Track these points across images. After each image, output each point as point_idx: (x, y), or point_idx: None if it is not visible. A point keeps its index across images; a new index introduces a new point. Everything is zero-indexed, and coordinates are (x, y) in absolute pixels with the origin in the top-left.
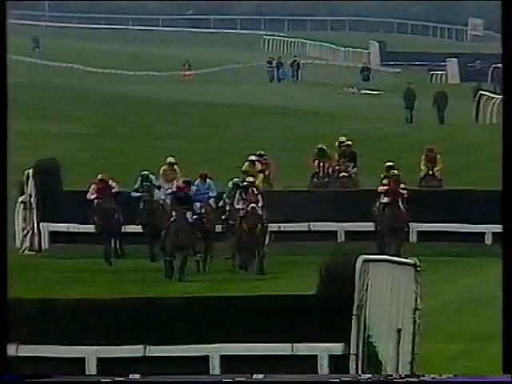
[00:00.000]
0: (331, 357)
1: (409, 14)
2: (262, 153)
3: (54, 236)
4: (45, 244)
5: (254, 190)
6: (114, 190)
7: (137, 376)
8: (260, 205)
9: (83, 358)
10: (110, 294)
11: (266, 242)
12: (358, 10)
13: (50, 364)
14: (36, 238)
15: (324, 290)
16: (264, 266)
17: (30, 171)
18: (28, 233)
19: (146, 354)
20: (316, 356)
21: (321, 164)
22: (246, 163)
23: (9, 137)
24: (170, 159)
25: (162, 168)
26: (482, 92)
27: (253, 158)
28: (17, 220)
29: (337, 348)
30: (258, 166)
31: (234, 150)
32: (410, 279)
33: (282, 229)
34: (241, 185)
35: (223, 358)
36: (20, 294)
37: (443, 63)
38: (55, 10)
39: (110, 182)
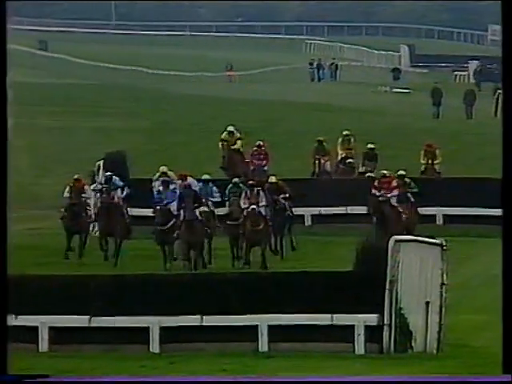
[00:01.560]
0: (367, 327)
1: (435, 21)
2: (261, 143)
3: None
4: None
5: (259, 190)
6: (84, 195)
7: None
8: (262, 204)
9: (147, 328)
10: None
11: (272, 239)
12: (390, 17)
13: (116, 334)
14: None
15: (360, 267)
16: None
17: (101, 162)
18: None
19: (203, 324)
20: (353, 326)
21: (316, 162)
22: (225, 132)
23: (9, 137)
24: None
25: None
26: (500, 90)
27: (231, 128)
28: (92, 206)
29: (372, 319)
30: (237, 135)
31: (279, 142)
32: (436, 257)
33: (323, 212)
34: (241, 185)
35: (271, 327)
36: (93, 270)
37: (466, 65)
38: (121, 19)
39: (86, 186)
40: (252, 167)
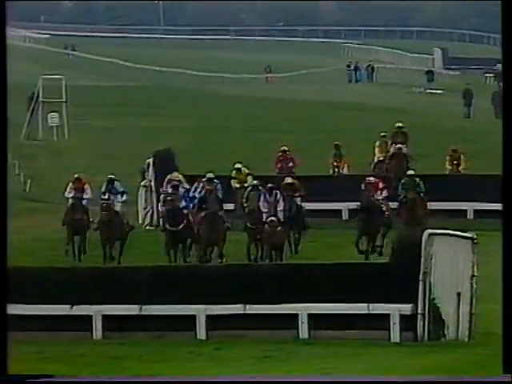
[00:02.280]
0: (402, 316)
1: (467, 25)
2: (286, 149)
3: None
4: (160, 221)
5: (277, 193)
6: (86, 197)
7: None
8: (281, 208)
9: (194, 316)
10: None
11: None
12: (424, 22)
13: (165, 322)
14: (155, 216)
15: (395, 258)
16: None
17: (151, 160)
18: (148, 211)
19: (246, 312)
20: (389, 315)
21: (334, 163)
22: (234, 171)
23: (9, 137)
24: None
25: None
26: None
27: (238, 165)
28: (140, 201)
29: (406, 308)
30: (246, 171)
31: (318, 140)
32: (468, 250)
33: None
34: (262, 188)
35: (310, 316)
36: (141, 262)
37: (495, 67)
38: (169, 24)
39: (86, 185)
40: (278, 171)
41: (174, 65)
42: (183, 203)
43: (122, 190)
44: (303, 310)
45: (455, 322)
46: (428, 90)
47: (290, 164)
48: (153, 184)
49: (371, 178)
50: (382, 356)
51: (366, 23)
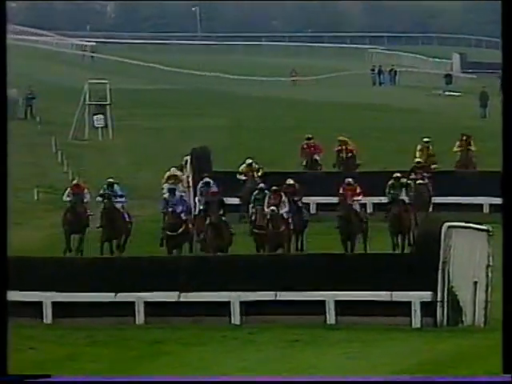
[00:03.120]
0: (422, 303)
1: (484, 31)
2: (310, 136)
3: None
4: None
5: (281, 194)
6: (85, 200)
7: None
8: (285, 209)
9: (228, 302)
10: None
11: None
12: (443, 28)
13: (201, 308)
14: (192, 208)
15: (417, 249)
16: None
17: (188, 157)
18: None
19: (277, 298)
20: (410, 302)
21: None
22: (244, 165)
23: (9, 137)
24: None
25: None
26: None
27: (249, 161)
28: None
29: (427, 296)
30: (256, 166)
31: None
32: (483, 241)
33: (382, 201)
34: (266, 191)
35: (337, 303)
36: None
37: None
38: (206, 30)
39: (85, 190)
40: (305, 160)
41: (210, 69)
42: (180, 208)
43: (120, 193)
44: (330, 297)
45: (472, 309)
46: (446, 93)
47: (316, 151)
48: (190, 179)
49: (350, 180)
50: (403, 341)
51: (389, 30)
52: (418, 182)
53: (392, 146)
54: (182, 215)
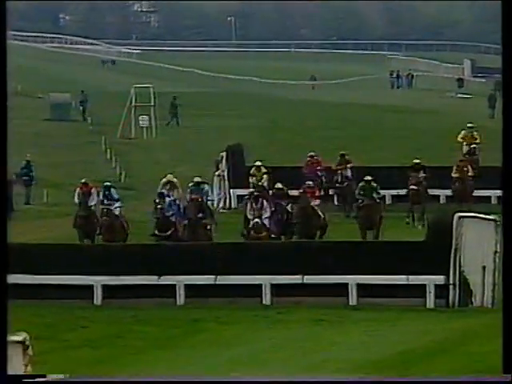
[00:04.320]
0: (436, 286)
1: (493, 39)
2: (313, 154)
3: (240, 198)
4: (233, 204)
5: (263, 200)
6: (92, 203)
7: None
8: (266, 215)
9: (260, 285)
10: None
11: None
12: (456, 37)
13: (236, 290)
14: (227, 201)
15: (431, 237)
16: None
17: (224, 153)
18: (222, 197)
19: (304, 282)
20: (425, 285)
21: (339, 172)
22: (253, 168)
23: (9, 137)
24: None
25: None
26: None
27: (258, 163)
28: (215, 188)
29: (440, 279)
30: (263, 169)
31: (366, 136)
32: (491, 230)
33: (399, 193)
34: (251, 195)
35: (358, 285)
36: (217, 239)
37: None
38: (240, 38)
39: (93, 189)
40: (307, 174)
41: (243, 73)
42: (170, 211)
43: (117, 197)
44: (352, 280)
45: (481, 292)
46: (458, 95)
47: (318, 167)
48: (225, 174)
49: (311, 183)
50: (419, 320)
51: (406, 38)
52: (469, 174)
53: (413, 145)
54: (172, 218)
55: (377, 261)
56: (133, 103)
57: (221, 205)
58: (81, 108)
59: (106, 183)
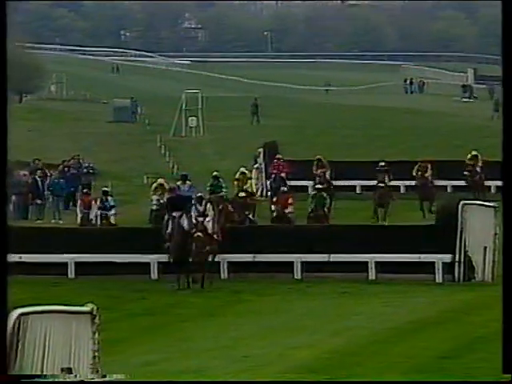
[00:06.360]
0: (444, 263)
1: (492, 51)
2: (280, 156)
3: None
4: (268, 193)
5: (207, 203)
6: (91, 216)
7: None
8: (209, 219)
9: (292, 262)
10: None
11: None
12: (461, 49)
13: (271, 266)
14: (264, 190)
15: (439, 221)
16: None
17: (261, 149)
18: (259, 187)
19: (330, 260)
20: (434, 262)
21: (317, 177)
22: (238, 173)
23: (9, 136)
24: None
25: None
26: None
27: (243, 169)
28: (253, 179)
29: (447, 257)
30: (248, 175)
31: (384, 135)
32: (491, 215)
33: (408, 184)
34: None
35: (377, 263)
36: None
37: None
38: (275, 51)
39: (93, 202)
40: (273, 176)
41: (277, 80)
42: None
43: (112, 204)
44: (371, 258)
45: (482, 268)
46: (463, 99)
47: (283, 171)
48: (263, 167)
49: (285, 189)
50: (429, 293)
51: (418, 49)
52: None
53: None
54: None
55: (393, 241)
56: (183, 106)
57: (258, 194)
58: (134, 111)
59: (104, 188)
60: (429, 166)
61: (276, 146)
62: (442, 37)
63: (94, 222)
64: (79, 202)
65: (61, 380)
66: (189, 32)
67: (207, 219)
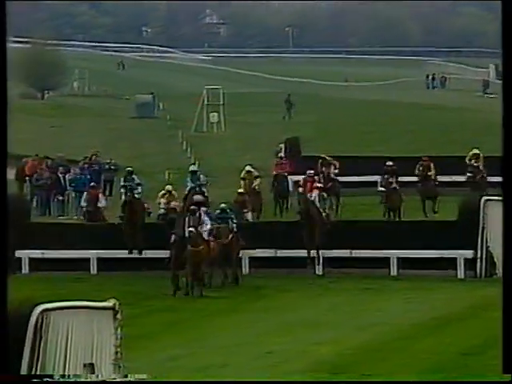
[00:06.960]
0: (465, 259)
1: None
2: (282, 155)
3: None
4: (290, 188)
5: (200, 213)
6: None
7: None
8: (205, 228)
9: (314, 257)
10: None
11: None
12: (482, 44)
13: (292, 261)
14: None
15: (462, 217)
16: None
17: (282, 144)
18: None
19: (352, 255)
20: (455, 258)
21: (320, 174)
22: (244, 171)
23: (9, 135)
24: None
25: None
26: None
27: (249, 168)
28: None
29: (469, 253)
30: (255, 173)
31: (407, 130)
32: None
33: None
34: (228, 210)
35: (399, 259)
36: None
37: None
38: (296, 46)
39: (100, 194)
40: (275, 174)
41: (299, 76)
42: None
43: (138, 181)
44: (393, 254)
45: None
46: (485, 95)
47: (286, 170)
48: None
49: (312, 172)
50: (450, 288)
51: (441, 45)
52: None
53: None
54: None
55: (415, 237)
56: (205, 102)
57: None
58: (157, 106)
59: (128, 168)
60: (431, 164)
61: (298, 142)
62: (463, 33)
63: (102, 210)
64: (85, 194)
65: (64, 380)
66: (210, 27)
67: (204, 228)
